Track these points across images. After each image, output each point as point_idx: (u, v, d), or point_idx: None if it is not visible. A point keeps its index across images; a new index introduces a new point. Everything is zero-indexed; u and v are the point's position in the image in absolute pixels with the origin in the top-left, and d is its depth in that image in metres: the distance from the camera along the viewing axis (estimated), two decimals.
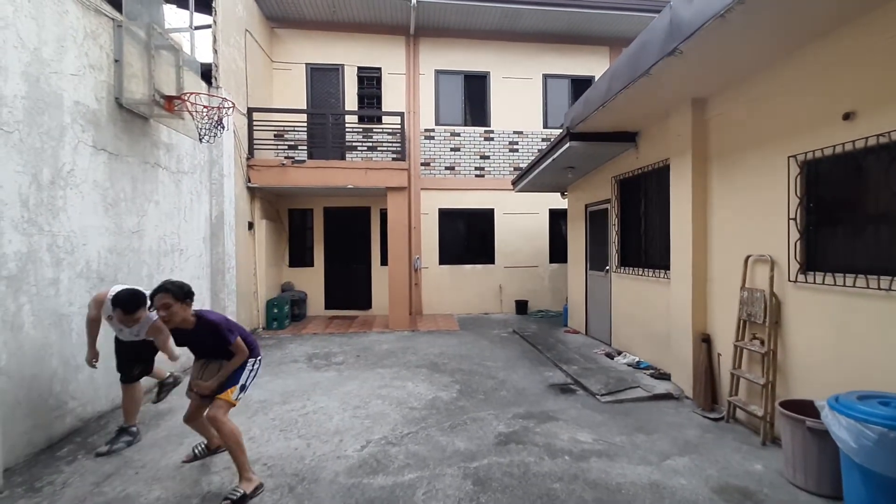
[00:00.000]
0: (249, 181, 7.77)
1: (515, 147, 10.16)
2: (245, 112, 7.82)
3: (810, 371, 3.28)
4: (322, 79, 9.67)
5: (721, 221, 4.19)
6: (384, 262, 9.39)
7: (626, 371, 5.19)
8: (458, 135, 10.00)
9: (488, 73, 9.99)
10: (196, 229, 5.99)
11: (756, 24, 2.96)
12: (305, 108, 9.43)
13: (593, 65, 10.17)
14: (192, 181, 5.91)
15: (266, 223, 8.43)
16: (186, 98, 4.93)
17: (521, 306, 9.85)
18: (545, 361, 5.94)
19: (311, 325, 8.59)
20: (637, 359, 5.50)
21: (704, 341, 4.25)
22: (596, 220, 7.13)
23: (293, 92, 9.48)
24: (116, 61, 4.34)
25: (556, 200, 9.43)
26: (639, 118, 5.14)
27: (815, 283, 3.22)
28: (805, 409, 2.90)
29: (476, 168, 10.05)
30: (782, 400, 3.16)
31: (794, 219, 3.37)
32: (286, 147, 8.97)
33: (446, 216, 9.99)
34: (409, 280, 9.02)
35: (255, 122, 8.06)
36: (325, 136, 8.77)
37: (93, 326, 3.41)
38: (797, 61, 3.35)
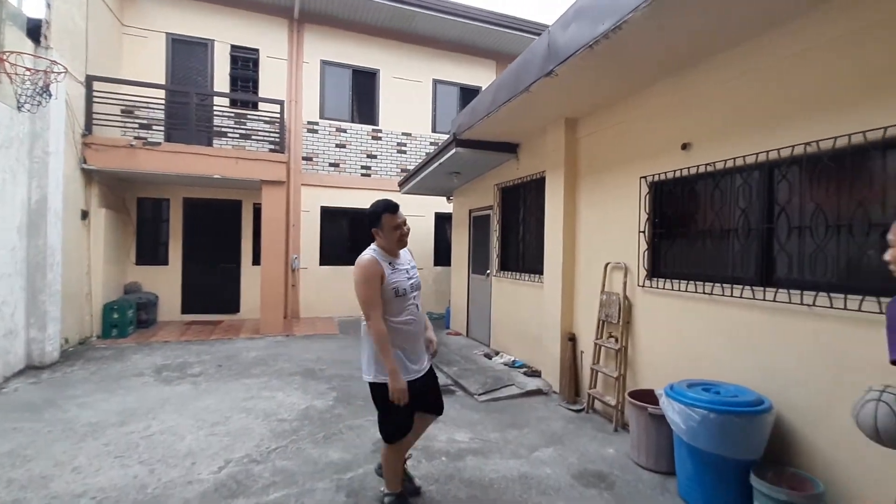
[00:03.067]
0: (85, 162, 6.51)
1: (404, 148, 10.14)
2: (83, 80, 6.55)
3: (654, 364, 3.77)
4: (187, 53, 8.55)
5: (587, 231, 4.63)
6: (256, 261, 8.61)
7: (503, 370, 5.45)
8: (345, 131, 9.65)
9: (378, 70, 9.82)
10: (9, 216, 4.83)
11: (619, 57, 3.32)
12: (164, 83, 8.24)
13: (481, 76, 10.63)
14: (6, 158, 4.75)
15: (106, 213, 7.13)
16: (5, 57, 3.95)
17: None
18: None
19: (162, 331, 7.49)
20: (513, 358, 5.82)
21: (570, 340, 4.65)
22: (479, 226, 7.42)
23: (149, 64, 8.22)
24: None
25: (442, 204, 9.63)
26: (520, 131, 5.46)
27: (657, 287, 3.72)
28: (648, 397, 3.31)
29: (363, 167, 9.80)
30: (631, 390, 3.58)
31: (644, 231, 3.86)
32: (137, 126, 7.71)
33: (329, 214, 9.56)
34: (284, 281, 8.41)
35: (95, 94, 6.78)
36: (187, 118, 7.70)
37: (381, 326, 2.41)
38: (651, 94, 3.84)
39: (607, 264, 4.24)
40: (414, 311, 2.56)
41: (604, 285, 4.25)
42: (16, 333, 5.00)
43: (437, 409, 2.71)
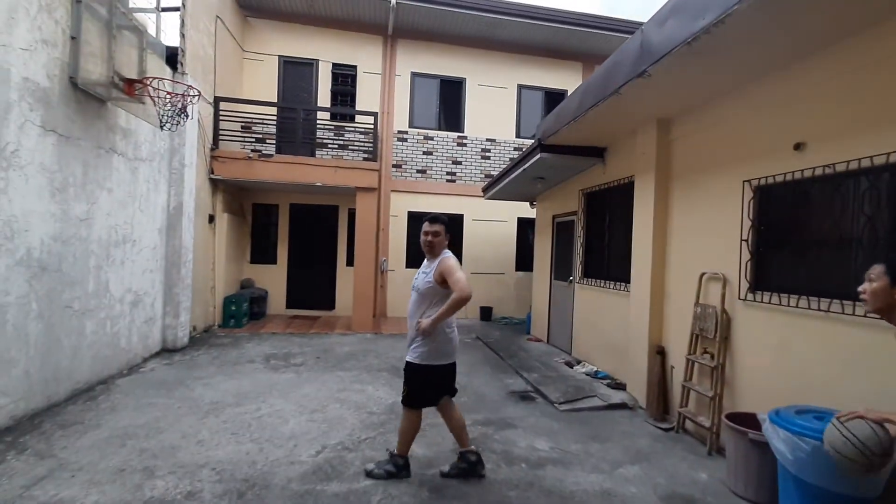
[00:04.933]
0: (213, 172, 7.50)
1: (488, 154, 10.26)
2: (211, 101, 7.56)
3: (755, 385, 3.45)
4: (295, 73, 9.47)
5: (679, 239, 4.36)
6: (350, 262, 9.25)
7: (585, 380, 5.30)
8: (432, 138, 10.01)
9: (464, 79, 10.06)
10: (152, 220, 5.72)
11: (720, 53, 3.11)
12: (276, 101, 9.21)
13: (567, 79, 10.41)
14: (150, 169, 5.64)
15: (228, 217, 8.15)
16: (149, 83, 4.72)
17: (486, 312, 9.92)
18: (506, 368, 6.00)
19: (270, 324, 8.35)
20: (595, 368, 5.64)
21: (659, 353, 4.40)
22: (562, 231, 7.28)
23: (264, 84, 9.24)
24: (73, 38, 4.10)
25: (525, 209, 9.58)
26: (607, 134, 5.29)
27: (762, 301, 3.40)
28: (748, 421, 3.04)
29: (448, 173, 10.08)
30: (728, 412, 3.31)
31: (747, 240, 3.55)
32: (253, 140, 8.72)
33: (415, 219, 9.95)
34: (374, 282, 8.92)
35: (221, 112, 7.79)
36: (294, 132, 8.57)
37: None
38: (756, 91, 3.53)
39: (703, 274, 3.96)
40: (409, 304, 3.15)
41: (698, 297, 3.97)
42: (154, 320, 5.91)
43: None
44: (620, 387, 4.99)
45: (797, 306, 3.11)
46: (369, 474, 3.04)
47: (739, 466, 3.00)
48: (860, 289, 1.97)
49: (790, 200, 3.31)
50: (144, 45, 4.82)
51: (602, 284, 5.79)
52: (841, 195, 2.93)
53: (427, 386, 3.02)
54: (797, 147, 3.17)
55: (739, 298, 3.60)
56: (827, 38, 2.87)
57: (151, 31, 5.89)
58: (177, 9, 6.57)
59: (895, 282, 1.83)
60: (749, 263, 3.53)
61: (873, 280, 1.90)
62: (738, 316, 3.62)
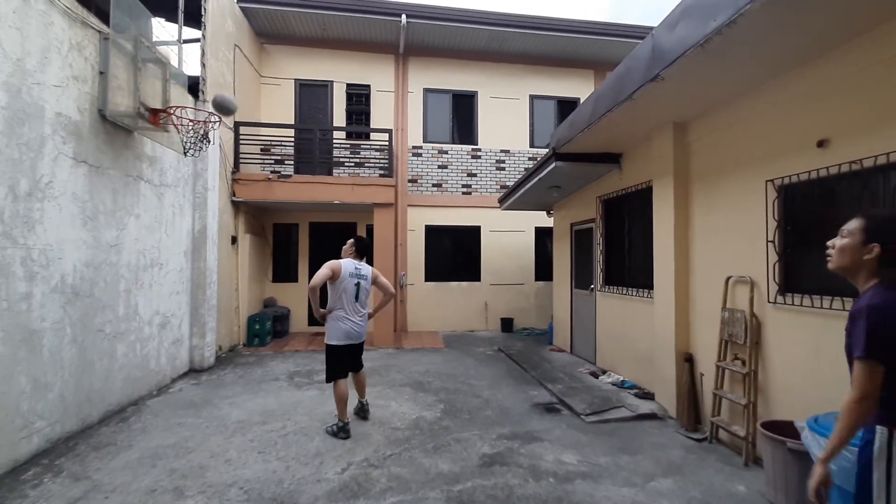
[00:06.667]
0: (234, 195, 7.69)
1: (502, 165, 10.27)
2: (231, 126, 7.78)
3: (790, 391, 3.32)
4: (310, 94, 9.71)
5: (702, 242, 4.27)
6: None
7: (611, 390, 5.18)
8: (446, 152, 10.09)
9: (476, 92, 10.15)
10: (177, 243, 5.88)
11: (734, 53, 3.07)
12: (293, 123, 9.43)
13: (579, 87, 10.41)
14: (175, 194, 5.83)
15: (250, 237, 8.32)
16: (172, 111, 4.89)
17: (507, 324, 9.84)
18: (530, 380, 5.92)
19: (293, 341, 8.44)
20: (621, 378, 5.51)
21: (687, 361, 4.29)
22: (581, 239, 7.21)
23: (281, 107, 9.49)
24: (101, 73, 4.30)
25: (543, 219, 9.53)
26: (622, 140, 5.25)
27: (793, 304, 3.29)
28: (785, 429, 2.93)
29: (463, 186, 10.12)
30: (763, 420, 3.19)
31: (773, 241, 3.46)
32: (272, 161, 8.93)
33: (433, 233, 10.00)
34: (394, 297, 8.94)
35: (241, 136, 8.02)
36: (312, 152, 8.76)
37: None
38: (774, 89, 3.47)
39: (729, 278, 3.86)
40: None
41: (725, 301, 3.87)
42: (182, 341, 6.04)
43: None
44: (648, 396, 4.86)
45: (831, 307, 3.00)
46: (327, 432, 4.03)
47: (778, 477, 2.88)
48: (829, 243, 1.79)
49: (816, 199, 3.22)
50: (168, 75, 5.00)
51: (624, 292, 5.69)
52: (870, 191, 2.84)
53: (330, 359, 4.12)
54: (820, 144, 3.09)
55: (769, 302, 3.49)
56: (846, 32, 2.81)
57: (174, 62, 6.13)
58: (197, 40, 6.84)
59: (868, 241, 1.64)
60: (777, 265, 3.43)
61: (845, 236, 1.72)
62: (769, 320, 3.51)
